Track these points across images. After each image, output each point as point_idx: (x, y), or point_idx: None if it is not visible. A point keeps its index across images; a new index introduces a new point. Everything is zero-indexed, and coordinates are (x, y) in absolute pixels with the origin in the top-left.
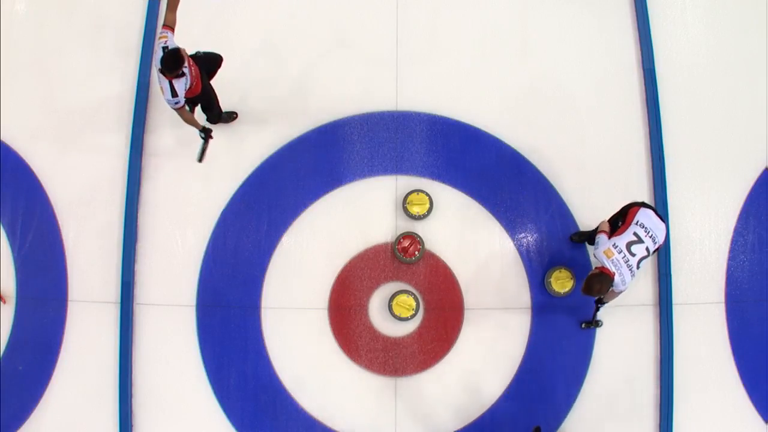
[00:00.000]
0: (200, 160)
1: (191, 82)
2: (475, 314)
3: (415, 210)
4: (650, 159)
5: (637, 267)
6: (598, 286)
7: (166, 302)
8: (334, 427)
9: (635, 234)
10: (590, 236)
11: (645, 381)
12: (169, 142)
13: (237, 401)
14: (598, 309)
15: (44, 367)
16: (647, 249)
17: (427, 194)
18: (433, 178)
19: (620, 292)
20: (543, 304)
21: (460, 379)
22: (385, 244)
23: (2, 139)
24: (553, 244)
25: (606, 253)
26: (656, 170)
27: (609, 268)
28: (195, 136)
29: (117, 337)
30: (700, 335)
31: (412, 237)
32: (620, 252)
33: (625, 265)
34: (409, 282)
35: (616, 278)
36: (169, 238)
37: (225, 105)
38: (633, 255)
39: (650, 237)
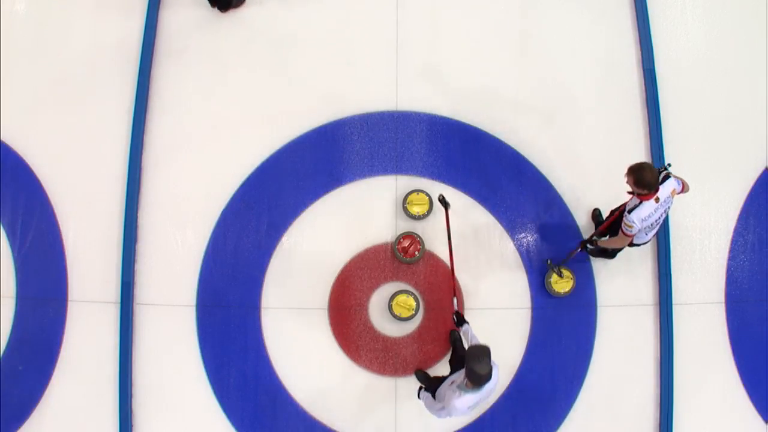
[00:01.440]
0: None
1: None
2: (475, 314)
3: (415, 210)
4: (650, 159)
5: (651, 226)
6: (650, 170)
7: (166, 302)
8: (334, 428)
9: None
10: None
11: (645, 381)
12: (170, 142)
13: (237, 401)
14: (579, 249)
15: (44, 367)
16: (661, 216)
17: (427, 194)
18: (433, 178)
19: (628, 235)
20: (543, 304)
21: None
22: (385, 244)
23: (2, 139)
24: (553, 244)
25: (673, 191)
26: None
27: (660, 197)
28: (195, 135)
29: (117, 337)
30: (700, 335)
31: (412, 237)
32: (670, 200)
33: (662, 210)
34: (409, 282)
35: (652, 204)
36: (169, 238)
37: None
38: (662, 214)
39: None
